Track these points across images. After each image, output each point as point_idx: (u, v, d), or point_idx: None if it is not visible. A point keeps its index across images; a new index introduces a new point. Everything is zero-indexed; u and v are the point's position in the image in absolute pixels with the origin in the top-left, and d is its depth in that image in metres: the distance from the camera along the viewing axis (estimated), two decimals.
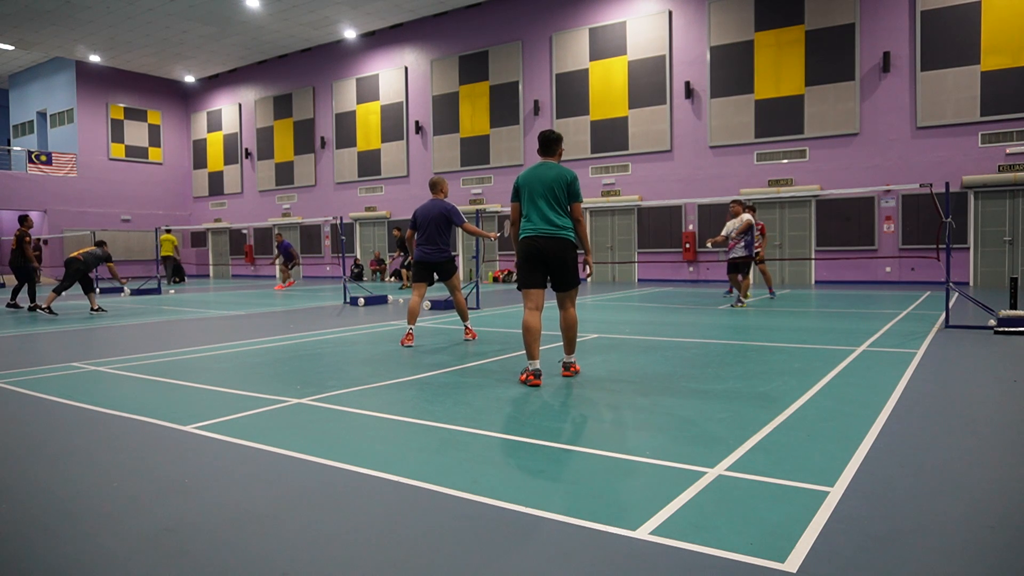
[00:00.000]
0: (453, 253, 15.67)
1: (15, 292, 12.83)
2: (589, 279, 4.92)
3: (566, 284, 5.09)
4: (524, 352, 5.29)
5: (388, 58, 23.77)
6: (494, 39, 21.35)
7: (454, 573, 2.14)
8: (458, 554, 2.27)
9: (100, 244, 12.41)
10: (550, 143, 5.20)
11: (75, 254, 11.89)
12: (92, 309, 11.79)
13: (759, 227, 11.77)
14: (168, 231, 22.56)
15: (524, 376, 5.01)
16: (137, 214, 28.72)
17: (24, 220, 12.46)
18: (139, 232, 28.41)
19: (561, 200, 5.01)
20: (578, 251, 5.17)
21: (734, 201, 11.04)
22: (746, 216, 10.70)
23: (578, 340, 5.95)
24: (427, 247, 7.28)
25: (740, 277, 10.93)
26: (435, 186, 7.49)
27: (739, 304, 10.76)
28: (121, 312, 12.02)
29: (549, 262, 5.00)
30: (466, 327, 7.58)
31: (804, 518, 2.47)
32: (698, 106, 18.15)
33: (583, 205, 5.19)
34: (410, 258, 10.11)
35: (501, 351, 6.67)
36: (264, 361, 6.35)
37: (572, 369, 5.30)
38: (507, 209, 20.43)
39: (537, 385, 4.90)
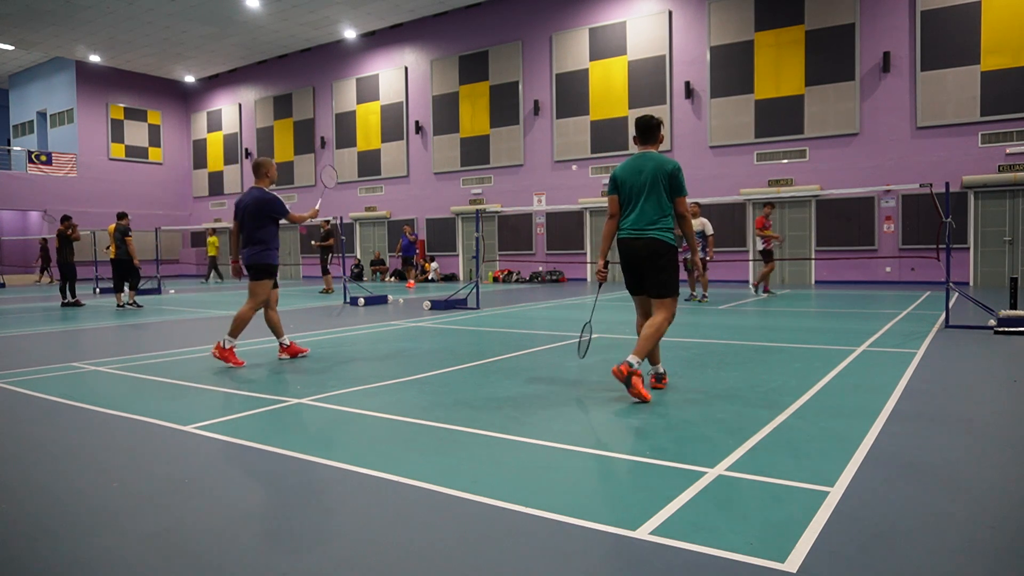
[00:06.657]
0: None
1: (68, 289, 13.26)
2: (699, 279, 4.32)
3: (657, 290, 4.47)
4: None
5: (388, 58, 23.76)
6: (494, 39, 21.34)
7: (454, 573, 2.14)
8: (458, 554, 2.27)
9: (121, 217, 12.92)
10: (650, 129, 4.52)
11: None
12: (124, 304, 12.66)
13: None
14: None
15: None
16: (137, 214, 28.63)
17: (66, 219, 13.08)
18: (139, 232, 28.33)
19: (661, 194, 4.42)
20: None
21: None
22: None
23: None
24: (244, 248, 6.19)
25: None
26: (257, 169, 6.26)
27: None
28: (121, 312, 12.02)
29: (641, 265, 4.47)
30: (281, 345, 6.40)
31: (804, 518, 2.46)
32: (698, 106, 18.15)
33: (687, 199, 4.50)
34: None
35: (500, 351, 6.66)
36: (264, 361, 6.35)
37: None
38: (506, 209, 20.42)
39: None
